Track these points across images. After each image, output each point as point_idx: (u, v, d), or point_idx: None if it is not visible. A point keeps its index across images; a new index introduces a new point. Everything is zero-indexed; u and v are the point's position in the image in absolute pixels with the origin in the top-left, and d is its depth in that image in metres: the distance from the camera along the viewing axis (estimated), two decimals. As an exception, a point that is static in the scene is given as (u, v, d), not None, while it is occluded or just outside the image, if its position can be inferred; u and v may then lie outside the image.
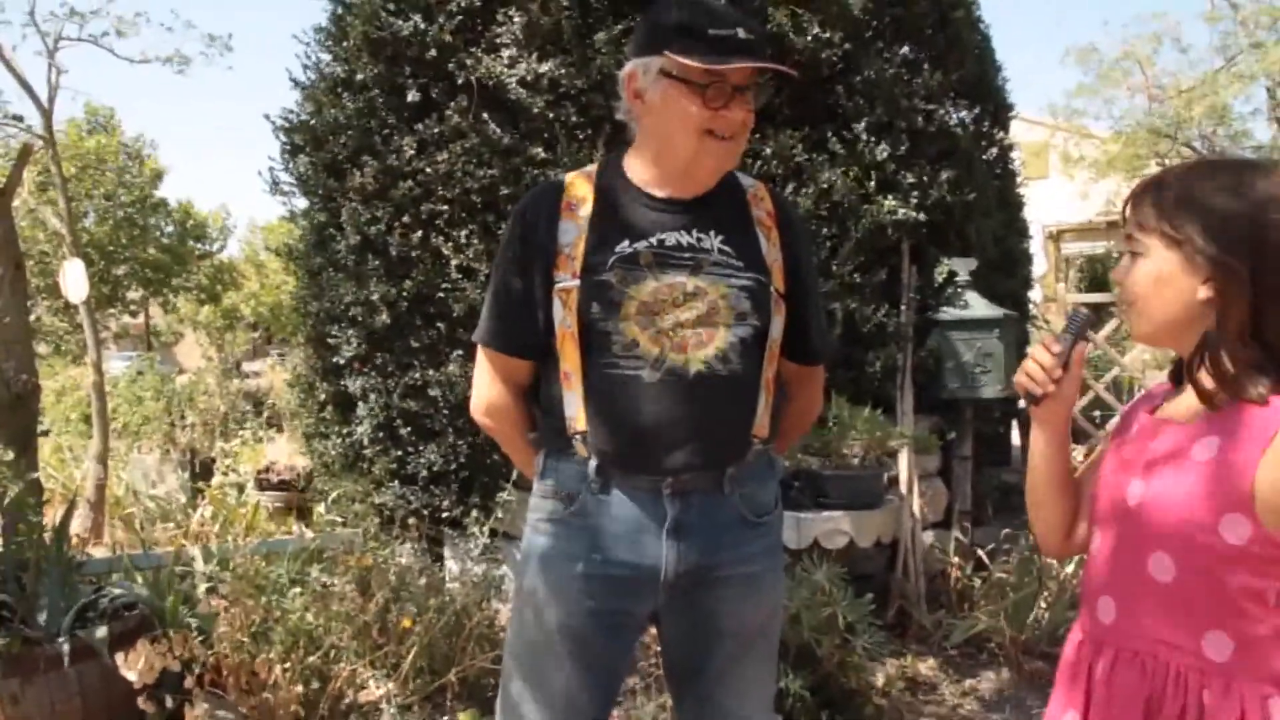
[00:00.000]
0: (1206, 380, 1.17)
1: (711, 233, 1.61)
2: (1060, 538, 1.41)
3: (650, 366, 1.54)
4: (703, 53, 1.48)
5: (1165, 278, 1.19)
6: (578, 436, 1.58)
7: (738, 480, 1.61)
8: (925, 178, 3.88)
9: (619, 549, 1.58)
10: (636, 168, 1.64)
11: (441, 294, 3.85)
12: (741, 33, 1.50)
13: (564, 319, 1.57)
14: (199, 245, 24.79)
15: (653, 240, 1.58)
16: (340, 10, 4.25)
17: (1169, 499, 1.18)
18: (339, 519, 4.46)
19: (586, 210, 1.61)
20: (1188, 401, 1.22)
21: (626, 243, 1.58)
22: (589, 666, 1.62)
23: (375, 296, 3.94)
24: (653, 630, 1.79)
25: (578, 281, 1.56)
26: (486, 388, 1.71)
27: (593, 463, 1.58)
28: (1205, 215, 1.16)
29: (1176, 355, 1.28)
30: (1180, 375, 1.27)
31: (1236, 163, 1.21)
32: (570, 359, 1.57)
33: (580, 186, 1.65)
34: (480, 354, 1.71)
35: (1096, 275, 13.40)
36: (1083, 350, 1.32)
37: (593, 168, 1.69)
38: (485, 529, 3.34)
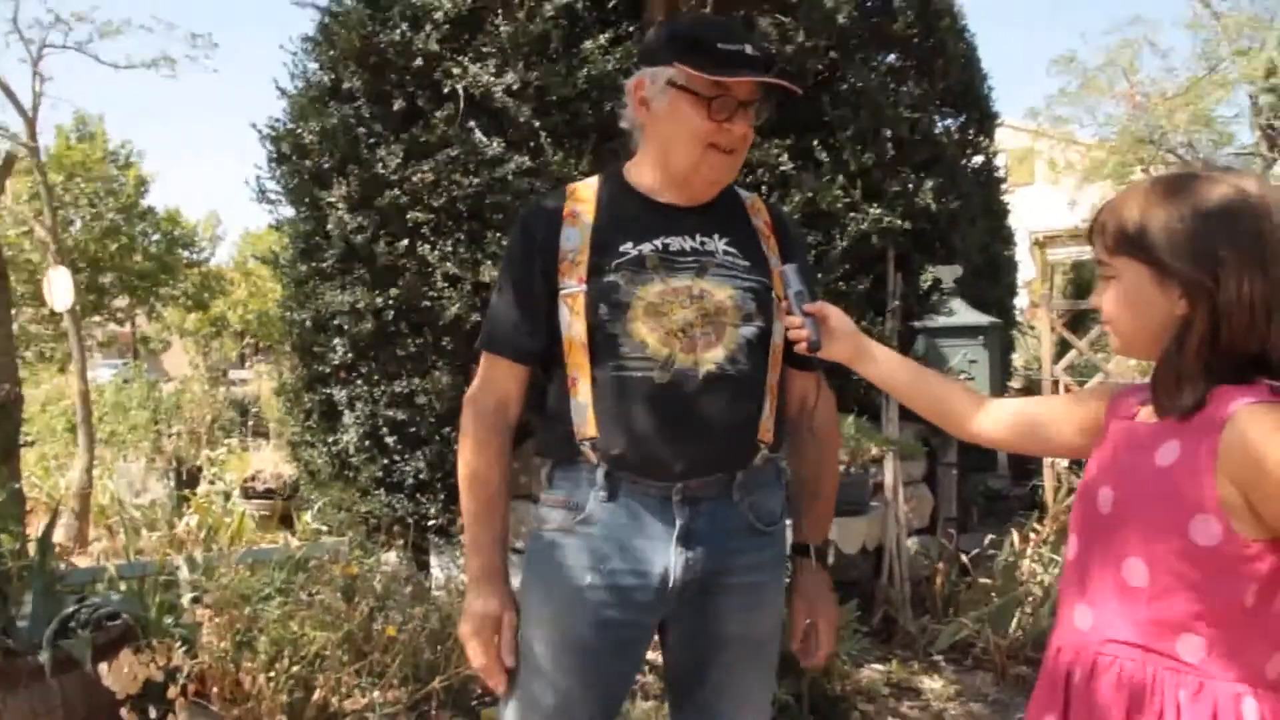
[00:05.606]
0: (1158, 389, 1.21)
1: (716, 235, 1.62)
2: (953, 426, 1.52)
3: (660, 368, 1.53)
4: (711, 66, 1.51)
5: (1140, 299, 1.22)
6: (586, 443, 1.56)
7: (746, 487, 1.61)
8: (910, 186, 3.91)
9: (628, 557, 1.56)
10: (639, 175, 1.66)
11: (427, 303, 3.84)
12: (749, 49, 1.53)
13: (570, 324, 1.57)
14: (187, 253, 24.66)
15: (657, 244, 1.59)
16: (328, 20, 4.25)
17: (1138, 504, 1.19)
18: (324, 527, 4.46)
19: (589, 217, 1.62)
20: None
21: (631, 244, 1.58)
22: (594, 682, 1.59)
23: (361, 305, 3.94)
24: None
25: (584, 287, 1.56)
26: (481, 393, 1.67)
27: (600, 470, 1.56)
28: (1166, 234, 1.18)
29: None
30: None
31: (1184, 177, 1.23)
32: (578, 364, 1.56)
33: (583, 194, 1.66)
34: (482, 361, 1.68)
35: (1084, 281, 13.45)
36: (803, 295, 1.55)
37: (595, 178, 1.70)
38: (471, 537, 3.34)
